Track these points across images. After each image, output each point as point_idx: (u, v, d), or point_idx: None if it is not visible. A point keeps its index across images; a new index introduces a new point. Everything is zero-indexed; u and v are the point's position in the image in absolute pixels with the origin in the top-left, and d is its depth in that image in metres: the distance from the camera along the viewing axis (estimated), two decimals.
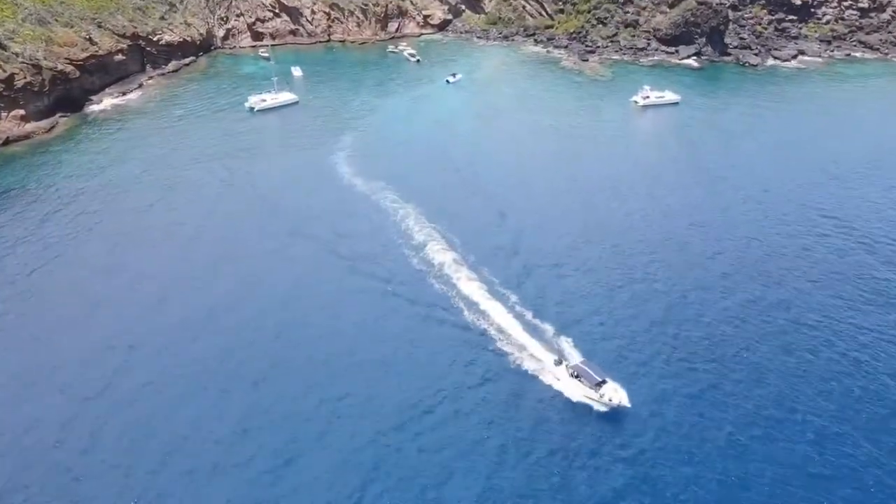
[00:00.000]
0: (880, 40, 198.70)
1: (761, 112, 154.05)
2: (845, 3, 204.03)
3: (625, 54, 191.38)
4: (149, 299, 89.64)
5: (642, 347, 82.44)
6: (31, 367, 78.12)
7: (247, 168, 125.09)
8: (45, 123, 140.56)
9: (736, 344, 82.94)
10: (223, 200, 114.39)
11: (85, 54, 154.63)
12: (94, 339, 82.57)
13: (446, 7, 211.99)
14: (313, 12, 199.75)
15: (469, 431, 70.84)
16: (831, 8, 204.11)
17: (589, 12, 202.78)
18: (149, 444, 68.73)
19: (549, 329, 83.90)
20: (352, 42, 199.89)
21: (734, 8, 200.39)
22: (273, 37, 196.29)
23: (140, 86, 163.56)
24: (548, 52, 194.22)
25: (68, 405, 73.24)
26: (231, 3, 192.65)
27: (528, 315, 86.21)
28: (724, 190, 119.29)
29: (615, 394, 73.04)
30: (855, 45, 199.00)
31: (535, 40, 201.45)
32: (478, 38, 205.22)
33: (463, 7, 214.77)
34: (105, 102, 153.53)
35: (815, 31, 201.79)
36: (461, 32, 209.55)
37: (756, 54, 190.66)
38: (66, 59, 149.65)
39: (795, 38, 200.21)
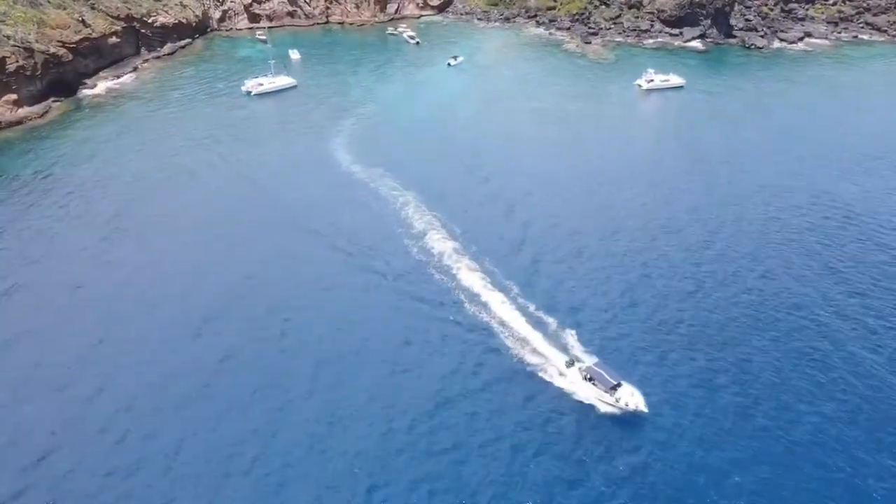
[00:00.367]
0: (888, 22, 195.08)
1: (768, 96, 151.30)
2: None
3: (628, 36, 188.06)
4: (140, 290, 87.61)
5: (657, 346, 78.95)
6: (22, 362, 76.42)
7: (243, 155, 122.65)
8: (37, 108, 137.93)
9: (758, 344, 79.13)
10: (218, 188, 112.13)
11: (78, 37, 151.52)
12: (82, 332, 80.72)
13: None
14: None
15: (477, 436, 67.65)
16: None
17: None
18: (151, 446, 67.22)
19: (558, 327, 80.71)
20: (350, 24, 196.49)
21: None
22: (270, 18, 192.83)
23: (135, 69, 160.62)
24: (550, 34, 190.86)
25: (62, 403, 71.61)
26: None
27: (536, 311, 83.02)
28: (733, 177, 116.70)
29: (631, 398, 69.69)
30: (862, 27, 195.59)
31: (537, 22, 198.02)
32: (478, 19, 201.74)
33: None
34: (99, 86, 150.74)
35: (822, 13, 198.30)
36: (461, 14, 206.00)
37: (762, 36, 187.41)
38: (58, 41, 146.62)
39: (802, 19, 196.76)
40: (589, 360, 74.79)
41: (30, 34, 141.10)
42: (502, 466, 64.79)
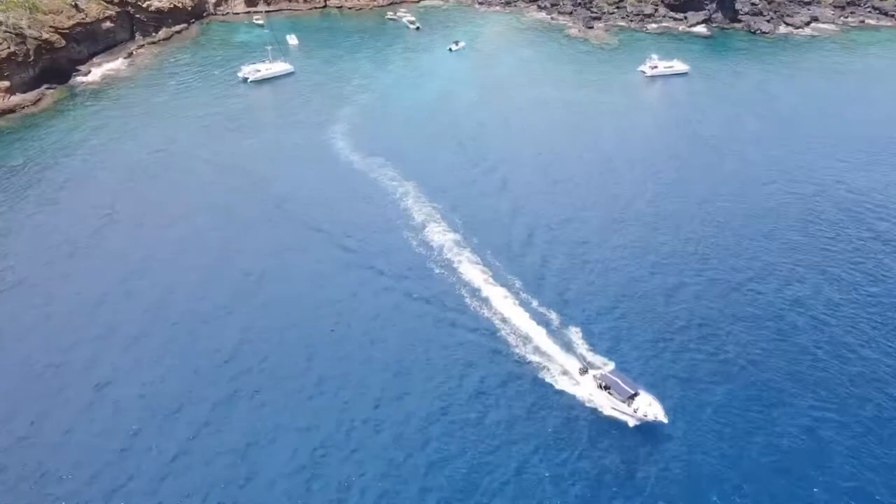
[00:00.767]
0: (895, 6, 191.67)
1: (774, 83, 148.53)
2: None
3: (631, 21, 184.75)
4: (135, 286, 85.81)
5: (671, 346, 76.45)
6: (12, 360, 74.71)
7: (239, 144, 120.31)
8: (30, 96, 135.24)
9: (781, 346, 76.68)
10: (214, 179, 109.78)
11: (71, 22, 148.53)
12: (74, 325, 78.96)
13: None
14: None
15: (485, 447, 65.19)
16: None
17: None
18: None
19: (566, 327, 78.16)
20: (349, 8, 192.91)
21: None
22: (268, 2, 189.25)
23: (129, 55, 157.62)
24: (552, 18, 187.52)
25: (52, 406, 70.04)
26: None
27: (545, 312, 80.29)
28: (740, 167, 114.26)
29: (649, 408, 66.35)
30: (869, 11, 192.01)
31: (539, 6, 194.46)
32: (479, 3, 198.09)
33: None
34: (93, 73, 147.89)
35: None
36: None
37: (768, 21, 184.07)
38: (51, 27, 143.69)
39: (808, 3, 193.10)
40: (603, 367, 71.57)
41: (22, 20, 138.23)
42: (511, 482, 62.10)
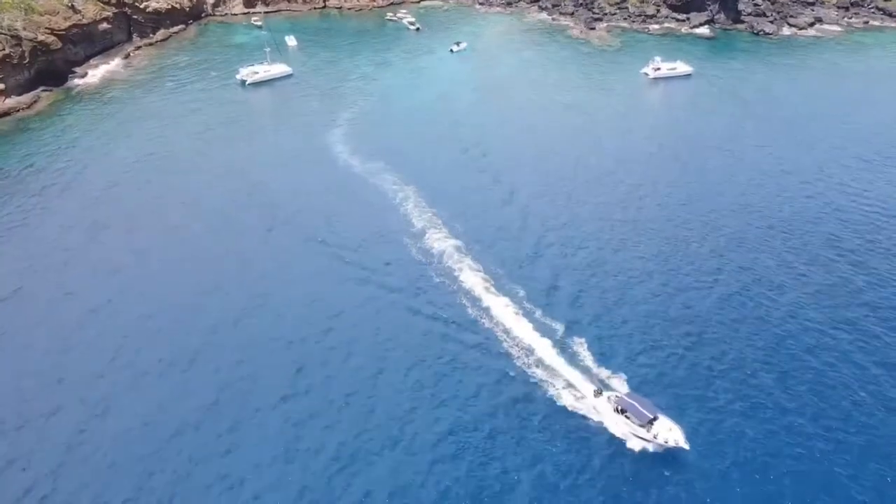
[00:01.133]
0: None
1: (779, 85, 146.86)
2: None
3: (633, 22, 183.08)
4: (127, 295, 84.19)
5: (687, 365, 73.20)
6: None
7: (236, 148, 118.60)
8: (25, 98, 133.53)
9: (808, 363, 73.89)
10: (210, 185, 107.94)
11: (67, 23, 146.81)
12: (68, 336, 77.35)
13: None
14: None
15: (493, 472, 62.11)
16: None
17: None
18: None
19: (579, 348, 74.69)
20: (349, 8, 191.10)
21: None
22: (266, 3, 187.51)
23: (126, 56, 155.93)
24: (553, 19, 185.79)
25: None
26: None
27: (552, 327, 77.47)
28: (749, 174, 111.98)
29: (669, 433, 62.79)
30: (873, 12, 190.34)
31: (540, 7, 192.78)
32: (480, 4, 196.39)
33: None
34: (90, 75, 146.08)
35: None
36: None
37: (771, 22, 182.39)
38: (47, 28, 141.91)
39: (812, 3, 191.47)
40: (618, 386, 68.53)
41: (17, 21, 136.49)
42: None
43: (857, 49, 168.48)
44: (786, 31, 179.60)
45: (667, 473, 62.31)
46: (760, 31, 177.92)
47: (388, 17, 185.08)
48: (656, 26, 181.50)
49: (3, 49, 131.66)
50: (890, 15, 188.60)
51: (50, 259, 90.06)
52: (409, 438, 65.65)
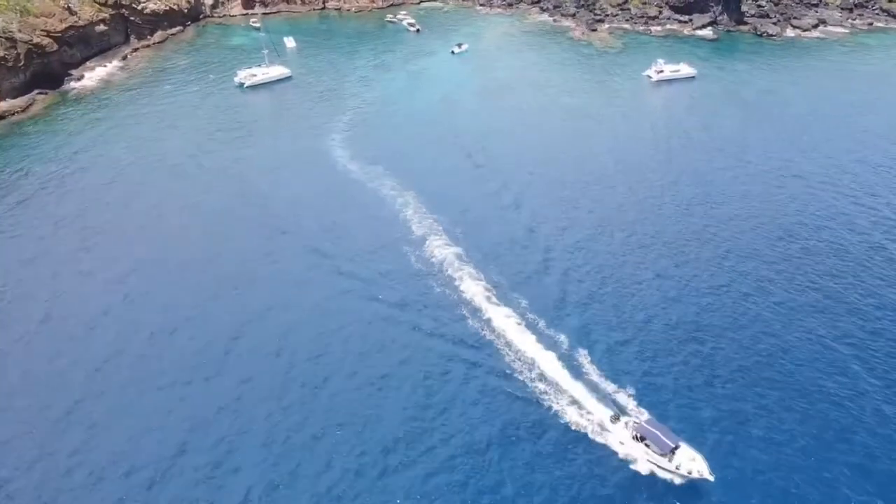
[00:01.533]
0: None
1: (784, 88, 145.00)
2: None
3: (636, 23, 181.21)
4: (120, 306, 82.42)
5: (707, 387, 69.73)
6: None
7: (234, 152, 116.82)
8: (20, 102, 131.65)
9: (836, 383, 70.68)
10: (207, 191, 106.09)
11: (63, 25, 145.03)
12: (61, 349, 75.56)
13: None
14: None
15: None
16: None
17: None
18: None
19: (593, 370, 71.34)
20: (348, 10, 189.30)
21: None
22: (265, 4, 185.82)
23: (124, 58, 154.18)
24: (554, 20, 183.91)
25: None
26: None
27: (564, 343, 74.40)
28: (762, 179, 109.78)
29: (692, 463, 59.50)
30: (877, 14, 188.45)
31: (541, 8, 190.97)
32: (480, 5, 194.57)
33: None
34: (86, 78, 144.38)
35: None
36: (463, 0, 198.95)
37: (775, 23, 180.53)
38: (42, 30, 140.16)
39: (815, 5, 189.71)
40: (636, 412, 65.51)
41: (12, 23, 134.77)
42: None
43: (862, 51, 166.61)
44: (789, 32, 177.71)
45: None
46: (764, 32, 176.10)
47: (387, 19, 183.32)
48: (658, 28, 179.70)
49: None
50: (894, 16, 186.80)
51: (39, 267, 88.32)
52: (410, 464, 62.99)
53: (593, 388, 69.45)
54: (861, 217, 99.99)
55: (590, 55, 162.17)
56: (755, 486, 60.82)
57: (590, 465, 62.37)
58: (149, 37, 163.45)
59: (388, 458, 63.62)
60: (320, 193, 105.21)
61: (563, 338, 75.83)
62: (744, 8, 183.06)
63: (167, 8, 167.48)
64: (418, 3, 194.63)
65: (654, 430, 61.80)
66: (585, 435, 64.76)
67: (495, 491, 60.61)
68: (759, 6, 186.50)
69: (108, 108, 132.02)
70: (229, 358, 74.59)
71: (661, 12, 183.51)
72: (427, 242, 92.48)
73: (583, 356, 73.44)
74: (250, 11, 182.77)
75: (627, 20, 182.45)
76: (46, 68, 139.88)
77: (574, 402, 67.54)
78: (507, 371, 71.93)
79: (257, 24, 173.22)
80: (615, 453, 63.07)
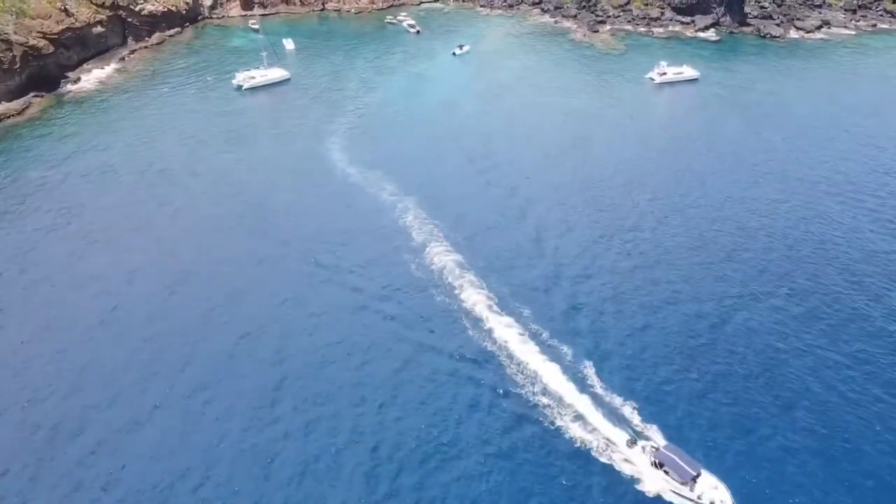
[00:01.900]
0: None
1: (788, 90, 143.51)
2: None
3: (638, 25, 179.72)
4: (113, 316, 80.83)
5: (726, 406, 66.71)
6: None
7: (231, 157, 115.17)
8: (16, 104, 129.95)
9: (860, 402, 67.66)
10: (205, 197, 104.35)
11: (60, 27, 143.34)
12: (54, 360, 74.07)
13: None
14: None
15: None
16: None
17: None
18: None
19: (609, 392, 68.14)
20: (348, 11, 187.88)
21: None
22: (264, 5, 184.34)
23: (121, 60, 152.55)
24: (556, 21, 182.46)
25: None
26: None
27: (572, 361, 71.79)
28: (773, 189, 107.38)
29: (715, 492, 56.63)
30: (881, 15, 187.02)
31: (542, 9, 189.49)
32: (481, 6, 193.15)
33: None
34: (83, 80, 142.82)
35: (840, 0, 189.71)
36: (463, 0, 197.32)
37: (778, 24, 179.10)
38: (39, 32, 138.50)
39: (819, 6, 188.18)
40: (655, 436, 62.00)
41: (7, 25, 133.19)
42: None
43: (866, 52, 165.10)
44: (793, 34, 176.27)
45: None
46: (767, 34, 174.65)
47: (387, 20, 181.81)
48: (661, 29, 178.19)
49: None
50: None
51: (32, 272, 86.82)
52: (416, 486, 60.84)
53: (605, 406, 66.54)
54: (868, 223, 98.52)
55: (591, 57, 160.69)
56: None
57: (604, 492, 59.16)
58: (146, 38, 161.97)
59: (380, 486, 62.07)
60: (319, 197, 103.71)
61: (566, 349, 74.03)
62: (747, 9, 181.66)
63: (165, 9, 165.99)
64: (418, 4, 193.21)
65: (673, 456, 58.68)
66: (600, 459, 61.64)
67: None
68: (762, 7, 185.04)
69: (104, 111, 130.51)
70: (223, 369, 73.01)
71: (663, 14, 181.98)
72: (427, 249, 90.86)
73: (596, 372, 70.50)
74: (249, 13, 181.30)
75: (629, 21, 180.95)
76: (42, 70, 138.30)
77: (589, 425, 64.25)
78: (511, 387, 69.67)
79: (256, 26, 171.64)
80: (632, 479, 59.99)
